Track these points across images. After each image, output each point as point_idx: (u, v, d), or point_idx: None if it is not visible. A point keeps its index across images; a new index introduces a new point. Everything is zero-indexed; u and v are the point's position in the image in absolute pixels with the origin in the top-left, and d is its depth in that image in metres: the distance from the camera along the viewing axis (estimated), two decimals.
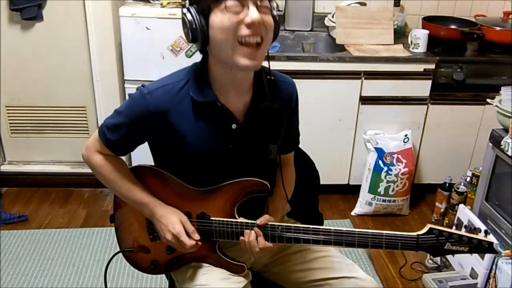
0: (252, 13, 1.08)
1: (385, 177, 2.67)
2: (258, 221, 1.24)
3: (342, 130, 2.74)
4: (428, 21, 2.84)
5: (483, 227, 1.18)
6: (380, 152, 2.68)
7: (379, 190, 2.71)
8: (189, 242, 1.23)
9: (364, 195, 2.77)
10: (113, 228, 1.44)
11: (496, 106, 2.16)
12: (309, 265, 1.39)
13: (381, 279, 2.33)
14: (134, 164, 1.36)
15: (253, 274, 1.43)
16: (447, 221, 2.69)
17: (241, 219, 1.27)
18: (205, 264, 1.36)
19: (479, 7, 3.04)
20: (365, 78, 2.63)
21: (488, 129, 2.25)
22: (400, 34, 2.92)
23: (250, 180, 1.26)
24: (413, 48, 2.69)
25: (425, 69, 2.62)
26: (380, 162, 2.67)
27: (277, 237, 1.25)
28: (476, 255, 2.15)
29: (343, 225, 2.66)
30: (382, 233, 1.19)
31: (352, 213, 2.82)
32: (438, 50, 2.73)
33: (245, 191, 1.27)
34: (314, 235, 1.23)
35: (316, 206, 1.65)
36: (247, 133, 1.26)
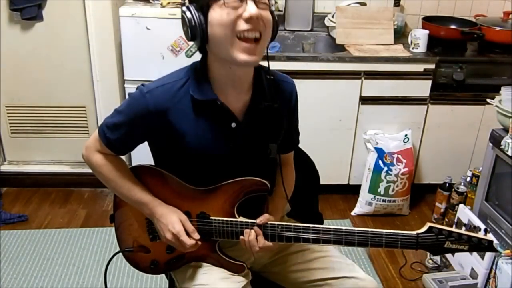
0: (251, 8, 1.09)
1: (385, 177, 2.67)
2: (258, 220, 1.24)
3: (342, 130, 2.74)
4: (428, 21, 2.85)
5: (483, 227, 1.18)
6: (380, 152, 2.68)
7: (379, 190, 2.71)
8: (189, 241, 1.23)
9: (364, 195, 2.77)
10: (113, 228, 1.43)
11: (496, 106, 2.15)
12: (309, 265, 1.39)
13: (381, 279, 2.33)
14: (134, 164, 1.36)
15: (253, 274, 1.43)
16: (446, 221, 2.69)
17: (241, 219, 1.27)
18: (205, 264, 1.36)
19: (479, 7, 3.04)
20: (365, 78, 2.63)
21: (488, 129, 2.25)
22: (400, 34, 2.92)
23: (250, 180, 1.26)
24: (413, 48, 2.69)
25: (425, 69, 2.62)
26: (380, 162, 2.67)
27: (277, 236, 1.25)
28: (476, 255, 2.15)
29: (343, 225, 2.65)
30: (382, 231, 1.19)
31: (352, 213, 2.82)
32: (438, 50, 2.73)
33: (245, 191, 1.27)
34: (314, 234, 1.23)
35: (316, 206, 1.65)
36: (246, 132, 1.26)
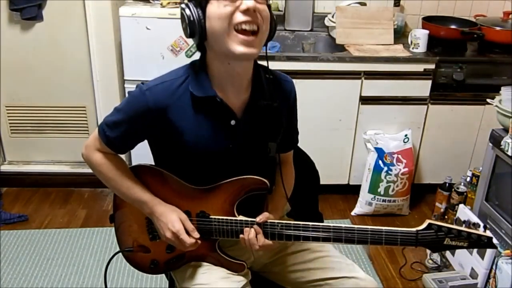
0: (247, 1, 1.11)
1: (385, 177, 2.67)
2: (257, 219, 1.24)
3: (342, 130, 2.74)
4: (428, 21, 2.85)
5: (482, 224, 1.18)
6: (380, 152, 2.68)
7: (379, 190, 2.71)
8: (188, 240, 1.23)
9: (364, 195, 2.77)
10: (113, 228, 1.43)
11: (496, 106, 2.16)
12: (309, 265, 1.39)
13: (381, 279, 2.33)
14: (134, 163, 1.36)
15: (253, 274, 1.42)
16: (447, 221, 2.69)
17: (241, 217, 1.27)
18: (205, 263, 1.36)
19: (479, 7, 3.04)
20: (365, 78, 2.63)
21: (488, 129, 2.25)
22: (400, 34, 2.92)
23: (250, 178, 1.26)
24: (413, 48, 2.69)
25: (425, 69, 2.62)
26: (380, 162, 2.67)
27: (277, 235, 1.25)
28: (476, 255, 2.15)
29: None
30: (382, 228, 1.20)
31: (352, 213, 2.82)
32: (438, 50, 2.73)
33: (245, 189, 1.27)
34: (314, 232, 1.23)
35: (316, 206, 1.65)
36: (246, 130, 1.27)
